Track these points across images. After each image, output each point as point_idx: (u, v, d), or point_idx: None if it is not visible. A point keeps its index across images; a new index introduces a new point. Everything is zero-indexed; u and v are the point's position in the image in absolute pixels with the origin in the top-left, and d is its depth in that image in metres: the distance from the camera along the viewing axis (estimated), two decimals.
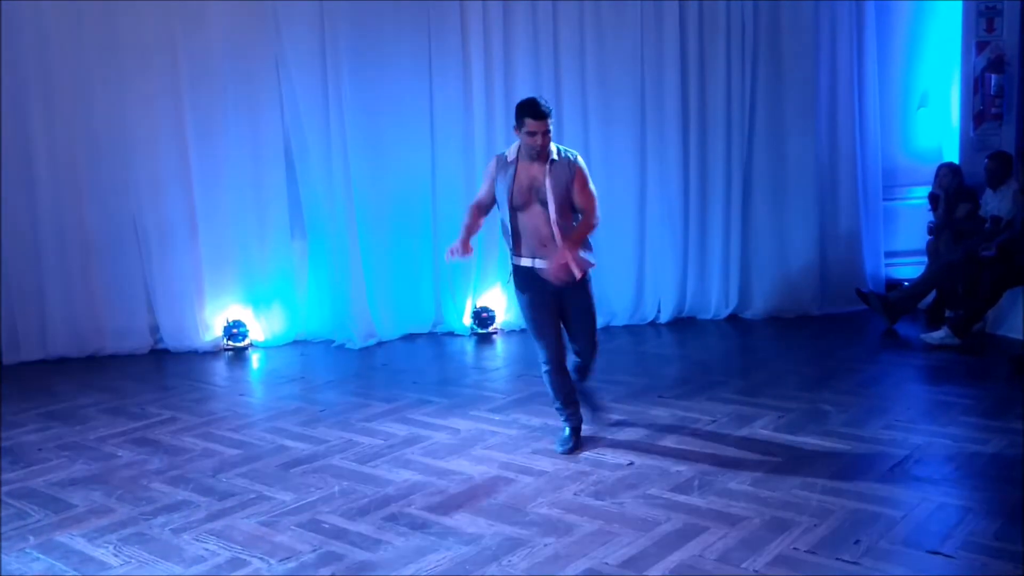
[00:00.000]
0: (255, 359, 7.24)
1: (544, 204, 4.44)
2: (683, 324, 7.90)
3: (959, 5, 8.15)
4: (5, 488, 4.51)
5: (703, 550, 3.62)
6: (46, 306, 7.18)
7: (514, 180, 4.46)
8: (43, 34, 6.93)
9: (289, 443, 5.08)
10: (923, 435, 4.87)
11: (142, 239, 7.28)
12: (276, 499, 4.28)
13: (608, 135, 7.76)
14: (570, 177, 4.46)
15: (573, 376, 4.87)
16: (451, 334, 7.69)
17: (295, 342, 7.60)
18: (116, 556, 3.75)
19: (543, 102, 4.39)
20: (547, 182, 4.42)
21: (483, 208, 4.66)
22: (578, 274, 4.44)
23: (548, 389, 4.83)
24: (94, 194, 7.17)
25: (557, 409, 4.88)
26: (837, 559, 3.50)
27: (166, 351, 7.37)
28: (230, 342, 7.39)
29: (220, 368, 6.99)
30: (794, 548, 3.61)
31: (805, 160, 7.96)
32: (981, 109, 8.16)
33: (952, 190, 7.69)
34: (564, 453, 4.70)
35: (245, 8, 7.19)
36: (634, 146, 7.79)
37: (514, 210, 4.49)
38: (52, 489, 4.49)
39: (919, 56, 8.42)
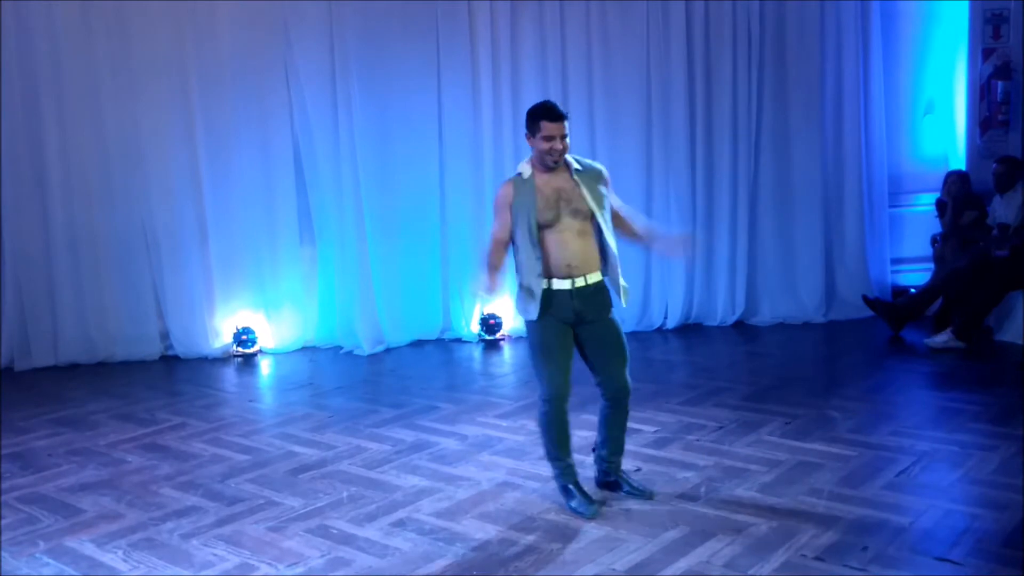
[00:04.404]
0: (264, 365, 7.27)
1: (576, 215, 3.97)
2: (690, 330, 7.91)
3: (965, 12, 8.16)
4: (15, 493, 4.54)
5: (710, 556, 3.62)
6: (57, 312, 7.23)
7: (537, 195, 3.95)
8: (54, 43, 6.99)
9: (298, 449, 5.10)
10: (930, 441, 4.87)
11: (152, 246, 7.32)
12: (285, 505, 4.30)
13: (615, 143, 7.78)
14: (604, 183, 4.06)
15: (603, 451, 4.29)
16: (459, 340, 7.72)
17: (304, 348, 7.63)
18: (125, 561, 3.78)
19: (557, 104, 4.01)
20: (583, 191, 3.98)
21: (503, 243, 4.09)
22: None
23: (543, 433, 4.16)
24: (105, 201, 7.22)
25: (553, 460, 4.17)
26: (844, 565, 3.51)
27: (176, 357, 7.40)
28: (239, 348, 7.42)
29: (229, 374, 7.02)
30: (801, 555, 3.61)
31: (811, 166, 7.97)
32: (987, 116, 8.15)
33: (960, 197, 7.69)
34: (594, 517, 4.02)
35: (255, 16, 7.23)
36: (640, 153, 7.80)
37: (540, 229, 3.96)
38: (62, 494, 4.52)
39: (925, 63, 8.42)
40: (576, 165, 4.06)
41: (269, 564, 3.70)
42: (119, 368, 7.19)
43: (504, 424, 5.43)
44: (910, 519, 3.90)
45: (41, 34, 6.96)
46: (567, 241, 3.98)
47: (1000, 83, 8.06)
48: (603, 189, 4.06)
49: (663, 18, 7.71)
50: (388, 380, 6.66)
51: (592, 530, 3.89)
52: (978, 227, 7.58)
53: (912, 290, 7.85)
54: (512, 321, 7.78)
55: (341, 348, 7.54)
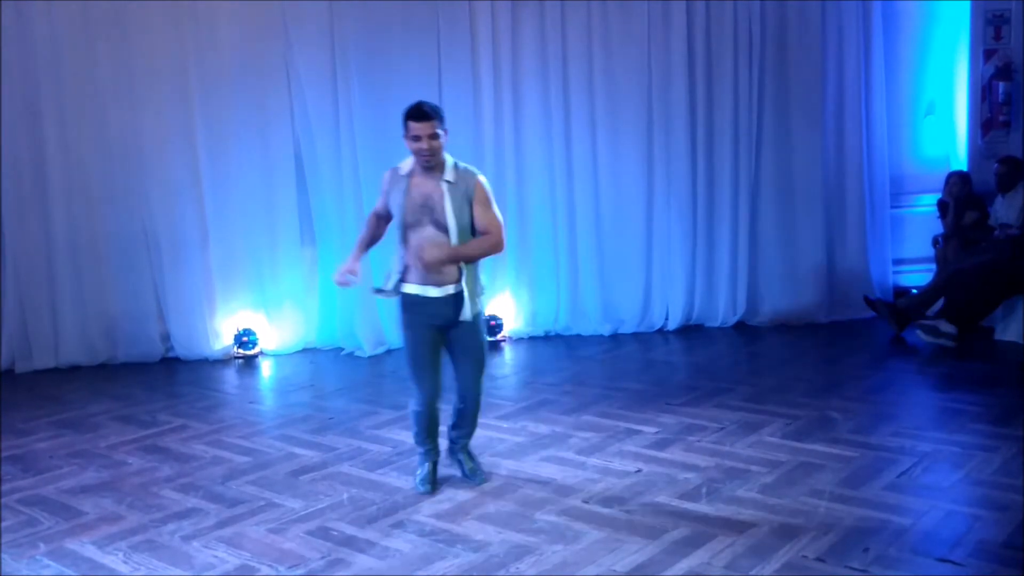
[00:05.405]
0: (265, 367, 7.27)
1: (438, 226, 4.09)
2: (691, 331, 7.90)
3: (967, 13, 8.15)
4: (16, 495, 4.54)
5: (711, 557, 3.62)
6: (58, 314, 7.24)
7: (406, 196, 4.13)
8: (55, 44, 6.99)
9: (298, 450, 5.10)
10: (931, 442, 4.87)
11: (153, 248, 7.33)
12: (285, 506, 4.30)
13: (615, 144, 7.78)
14: (469, 196, 4.11)
15: (452, 433, 4.57)
16: None
17: (305, 350, 7.62)
18: (126, 563, 3.78)
19: (428, 104, 4.08)
20: (446, 204, 4.07)
21: (382, 217, 4.37)
22: (433, 261, 4.04)
23: (413, 428, 4.47)
24: (106, 203, 7.22)
25: (419, 445, 4.50)
26: (846, 567, 3.50)
27: (177, 359, 7.40)
28: (240, 350, 7.42)
29: (230, 376, 7.02)
30: (803, 556, 3.61)
31: (812, 167, 7.96)
32: (989, 117, 8.16)
33: (961, 198, 7.69)
34: (427, 493, 4.36)
35: (256, 19, 7.24)
36: (642, 154, 7.80)
37: (406, 227, 4.15)
38: (63, 496, 4.52)
39: (926, 64, 8.42)
40: (450, 176, 4.12)
41: (270, 566, 3.70)
42: (120, 370, 7.20)
43: (505, 425, 5.43)
44: (911, 520, 3.90)
45: (41, 35, 6.96)
46: (424, 248, 4.07)
47: (1001, 84, 8.06)
48: (469, 201, 4.12)
49: (664, 18, 7.70)
50: (389, 382, 6.65)
51: (592, 531, 3.89)
52: (980, 228, 7.59)
53: (914, 291, 7.85)
54: (513, 322, 7.80)
55: (342, 349, 7.54)
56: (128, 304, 7.34)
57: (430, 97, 7.46)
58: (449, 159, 4.18)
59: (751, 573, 3.49)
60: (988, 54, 8.09)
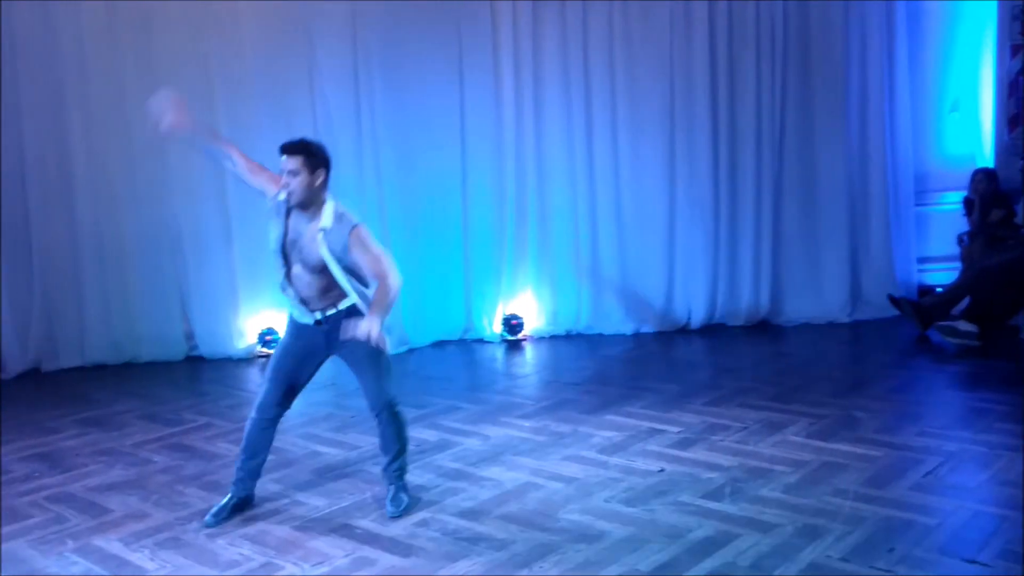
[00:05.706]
0: None
1: (307, 267, 3.92)
2: (714, 330, 7.87)
3: (992, 8, 8.08)
4: (44, 493, 4.58)
5: (735, 557, 3.61)
6: (84, 313, 7.30)
7: (284, 229, 3.96)
8: (79, 43, 7.05)
9: (321, 449, 5.12)
10: (957, 442, 4.82)
11: (177, 247, 7.37)
12: (309, 504, 4.32)
13: (637, 143, 7.77)
14: (344, 244, 3.84)
15: (381, 458, 4.25)
16: (481, 341, 7.72)
17: None
18: (152, 560, 3.80)
19: (303, 140, 3.91)
20: (324, 251, 3.85)
21: (253, 171, 4.17)
22: (376, 336, 3.72)
23: (243, 437, 4.22)
24: (130, 202, 7.28)
25: (237, 466, 4.22)
26: (871, 567, 3.48)
27: (201, 358, 7.45)
28: (264, 349, 7.45)
29: (254, 374, 7.05)
30: (827, 556, 3.59)
31: (835, 165, 7.92)
32: (1015, 113, 8.07)
33: (987, 195, 7.62)
34: (214, 526, 4.06)
35: (278, 17, 7.27)
36: (664, 153, 7.78)
37: (288, 261, 4.00)
38: (89, 494, 4.56)
39: (951, 60, 8.34)
40: (325, 223, 3.86)
41: (294, 564, 3.72)
42: (145, 369, 7.25)
43: (527, 424, 5.43)
44: (938, 520, 3.87)
45: (67, 36, 7.02)
46: (299, 288, 3.99)
47: None
48: (347, 249, 3.86)
49: (685, 19, 7.68)
50: (411, 380, 6.66)
51: (616, 531, 3.88)
52: (1006, 225, 7.51)
53: (939, 289, 7.79)
54: (535, 321, 7.80)
55: None
56: (153, 303, 7.39)
57: (451, 97, 7.57)
58: (330, 203, 3.93)
59: (775, 573, 3.47)
60: (1015, 50, 8.01)
